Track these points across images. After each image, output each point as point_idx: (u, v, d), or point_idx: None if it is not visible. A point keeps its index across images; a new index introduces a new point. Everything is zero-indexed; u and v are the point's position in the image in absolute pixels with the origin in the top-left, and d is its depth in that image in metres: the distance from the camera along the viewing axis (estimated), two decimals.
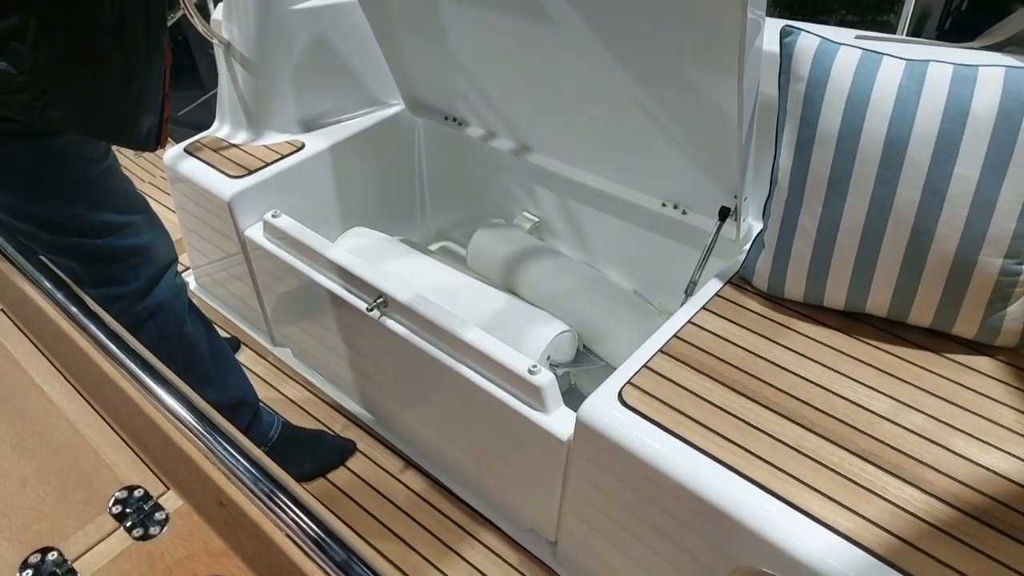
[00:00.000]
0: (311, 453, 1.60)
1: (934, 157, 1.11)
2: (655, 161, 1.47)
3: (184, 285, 1.40)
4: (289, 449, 1.57)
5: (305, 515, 0.59)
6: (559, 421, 1.24)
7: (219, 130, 1.84)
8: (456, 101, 1.77)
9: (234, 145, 1.79)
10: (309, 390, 1.80)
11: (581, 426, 1.18)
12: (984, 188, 1.10)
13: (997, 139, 1.09)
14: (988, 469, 1.04)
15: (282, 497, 0.60)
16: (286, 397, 1.78)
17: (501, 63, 1.55)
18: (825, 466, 1.05)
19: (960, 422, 1.11)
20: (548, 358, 1.53)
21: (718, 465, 1.06)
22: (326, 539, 0.58)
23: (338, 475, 1.60)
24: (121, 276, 1.27)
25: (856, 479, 1.03)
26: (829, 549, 0.96)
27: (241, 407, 1.50)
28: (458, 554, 1.46)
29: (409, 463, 1.62)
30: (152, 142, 1.20)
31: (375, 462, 1.63)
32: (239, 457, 0.63)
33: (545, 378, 1.23)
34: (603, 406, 1.16)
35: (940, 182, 1.12)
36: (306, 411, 1.74)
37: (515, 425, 1.30)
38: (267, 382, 1.82)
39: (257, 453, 0.64)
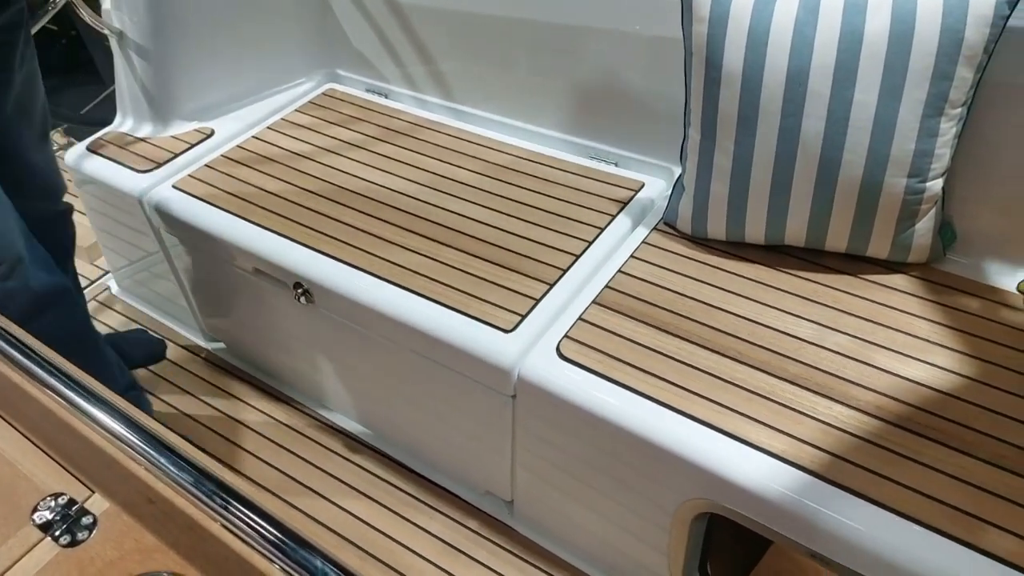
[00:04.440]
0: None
1: (834, 87, 1.15)
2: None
3: (15, 292, 1.23)
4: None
5: (238, 502, 0.58)
6: (503, 380, 1.25)
7: (122, 124, 1.76)
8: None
9: (140, 139, 1.71)
10: (248, 382, 1.76)
11: (523, 383, 1.19)
12: (883, 112, 1.14)
13: (890, 64, 1.12)
14: (908, 379, 1.09)
15: (212, 487, 0.59)
16: (225, 391, 1.74)
17: None
18: (758, 394, 1.08)
19: (880, 338, 1.16)
20: None
21: (658, 406, 1.09)
22: (262, 523, 0.57)
23: (286, 462, 1.58)
24: None
25: (788, 403, 1.07)
26: (767, 472, 0.99)
27: None
28: (418, 526, 1.46)
29: (358, 442, 1.61)
30: None
31: (322, 445, 1.61)
32: (164, 451, 0.61)
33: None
34: (542, 362, 1.18)
35: (841, 110, 1.15)
36: (247, 403, 1.71)
37: (460, 390, 1.30)
38: (203, 379, 1.78)
39: (183, 445, 0.63)
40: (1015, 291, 1.24)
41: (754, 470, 1.00)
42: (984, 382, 1.09)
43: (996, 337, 1.15)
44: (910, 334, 1.17)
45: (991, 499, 0.94)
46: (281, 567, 0.54)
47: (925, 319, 1.19)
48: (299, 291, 1.39)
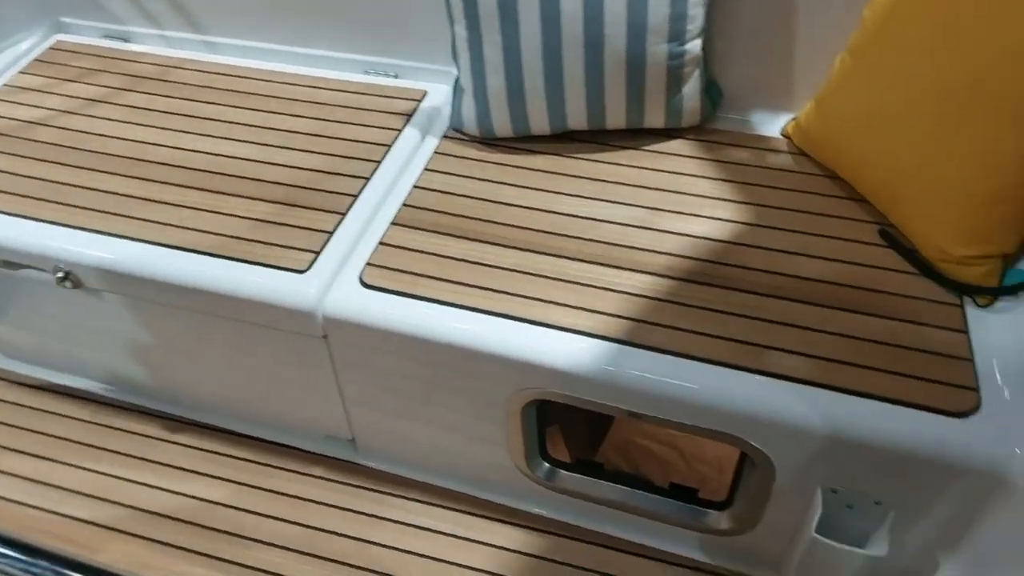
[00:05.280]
0: None
1: None
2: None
3: None
4: None
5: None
6: (309, 323, 1.18)
7: None
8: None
9: None
10: (35, 387, 1.57)
11: (330, 322, 1.13)
12: None
13: None
14: (694, 236, 1.15)
15: None
16: (7, 402, 1.54)
17: None
18: (561, 280, 1.10)
19: (667, 203, 1.21)
20: None
21: (467, 312, 1.08)
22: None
23: (105, 463, 1.44)
24: None
25: (589, 282, 1.10)
26: (578, 350, 1.02)
27: None
28: (262, 489, 1.40)
29: (180, 422, 1.50)
30: None
31: (138, 433, 1.48)
32: None
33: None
34: (346, 295, 1.12)
35: None
36: (46, 411, 1.53)
37: (269, 343, 1.23)
38: None
39: None
40: (779, 136, 1.32)
41: (566, 351, 1.03)
42: (759, 224, 1.17)
43: (766, 181, 1.24)
44: (692, 194, 1.22)
45: (775, 327, 1.03)
46: None
47: (704, 177, 1.25)
48: (60, 276, 1.23)
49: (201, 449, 1.45)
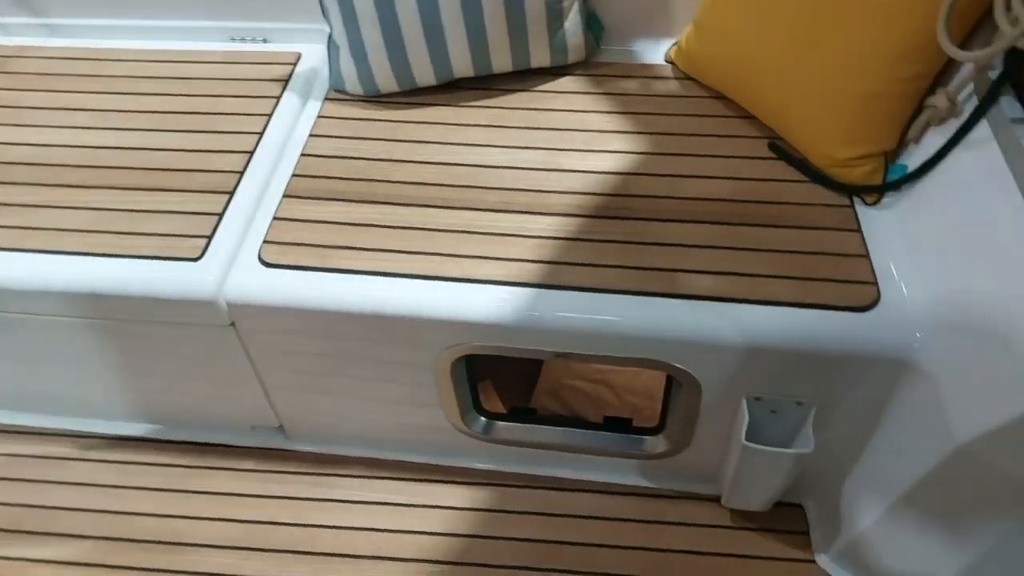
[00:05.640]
0: None
1: None
2: None
3: None
4: None
5: None
6: (212, 313, 1.12)
7: None
8: None
9: None
10: None
11: (234, 308, 1.07)
12: None
13: None
14: (595, 172, 1.15)
15: None
16: None
17: None
18: (470, 232, 1.08)
19: (564, 142, 1.20)
20: None
21: (377, 277, 1.04)
22: None
23: (24, 494, 1.34)
24: None
25: (499, 231, 1.08)
26: (496, 300, 1.01)
27: None
28: (195, 492, 1.33)
29: (93, 438, 1.41)
30: None
31: (47, 456, 1.38)
32: None
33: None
34: (247, 277, 1.07)
35: None
36: None
37: (176, 339, 1.15)
38: None
39: None
40: (664, 62, 1.33)
41: (487, 303, 1.01)
42: (655, 152, 1.17)
43: (656, 109, 1.24)
44: (587, 130, 1.22)
45: (683, 250, 1.04)
46: None
47: (597, 112, 1.25)
48: None
49: (119, 462, 1.37)
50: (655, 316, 0.99)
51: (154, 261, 1.07)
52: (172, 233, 1.11)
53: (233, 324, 1.11)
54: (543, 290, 1.01)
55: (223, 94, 1.31)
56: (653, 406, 1.49)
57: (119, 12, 1.42)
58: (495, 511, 1.28)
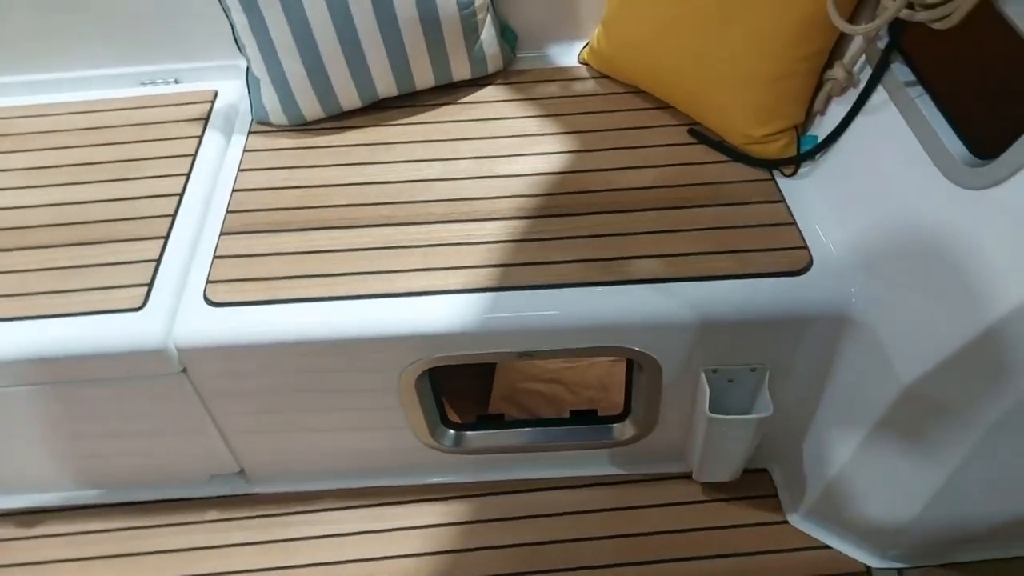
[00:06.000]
0: None
1: None
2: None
3: None
4: None
5: None
6: (162, 361, 1.08)
7: None
8: None
9: None
10: None
11: (185, 353, 1.04)
12: None
13: None
14: (530, 174, 1.18)
15: None
16: None
17: None
18: (417, 246, 1.09)
19: (496, 149, 1.22)
20: None
21: (330, 303, 1.04)
22: None
23: None
24: None
25: (446, 241, 1.09)
26: (453, 309, 1.02)
27: None
28: (151, 553, 1.28)
29: (42, 512, 1.32)
30: None
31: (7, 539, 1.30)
32: None
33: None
34: (194, 320, 1.04)
35: None
36: None
37: (127, 395, 1.11)
38: None
39: None
40: (578, 63, 1.38)
41: (445, 313, 1.02)
42: (583, 149, 1.22)
43: (577, 108, 1.29)
44: (516, 135, 1.25)
45: (626, 238, 1.08)
46: None
47: (522, 117, 1.28)
48: None
49: (69, 534, 1.30)
50: (610, 304, 1.02)
51: (94, 316, 1.03)
52: (109, 285, 1.07)
53: (185, 370, 1.08)
54: (499, 293, 1.03)
55: (142, 139, 1.27)
56: (609, 397, 1.53)
57: (21, 68, 1.36)
58: (474, 522, 1.28)
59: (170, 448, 1.24)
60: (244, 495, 1.34)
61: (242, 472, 1.32)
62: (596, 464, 1.31)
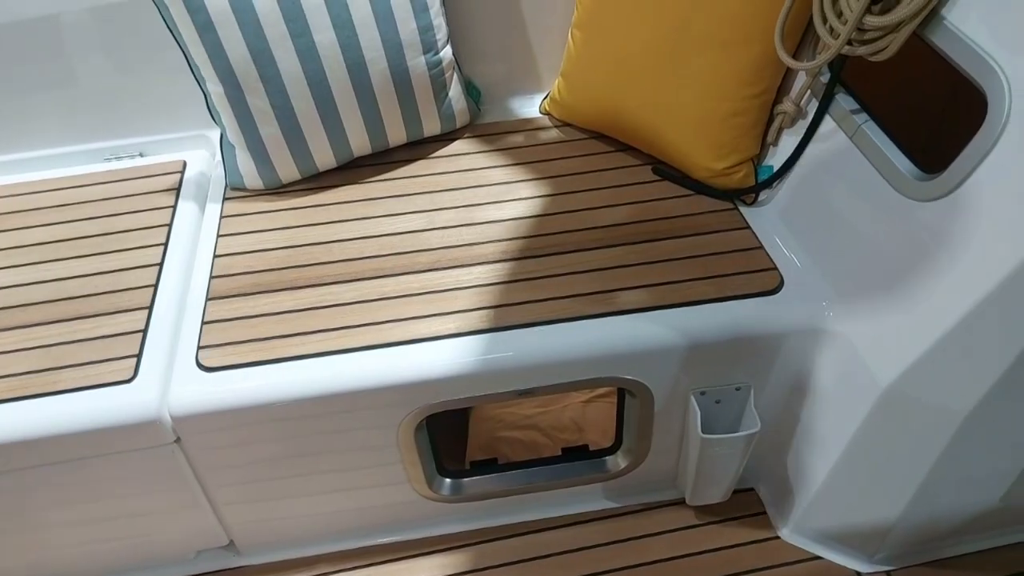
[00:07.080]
0: None
1: None
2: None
3: None
4: None
5: None
6: (156, 432, 1.06)
7: None
8: None
9: None
10: None
11: (179, 422, 1.03)
12: (377, 3, 1.18)
13: None
14: (511, 219, 1.22)
15: None
16: None
17: None
18: (409, 295, 1.11)
19: (473, 198, 1.27)
20: None
21: (324, 359, 1.04)
22: None
23: None
24: None
25: (436, 288, 1.12)
26: (455, 352, 1.04)
27: None
28: None
29: None
30: None
31: None
32: None
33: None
34: (188, 387, 1.02)
35: (342, 14, 1.17)
36: None
37: (120, 472, 1.08)
38: None
39: None
40: (540, 114, 1.45)
41: (443, 358, 1.04)
42: (557, 193, 1.27)
43: (545, 156, 1.35)
44: (492, 184, 1.30)
45: (609, 272, 1.13)
46: None
47: (494, 167, 1.33)
48: None
49: None
50: (601, 335, 1.06)
51: (83, 392, 1.01)
52: (96, 360, 1.05)
53: (178, 440, 1.06)
54: (495, 334, 1.05)
55: (115, 212, 1.27)
56: (584, 437, 1.54)
57: None
58: (475, 571, 1.27)
59: (154, 525, 1.19)
60: (234, 568, 1.30)
61: (231, 544, 1.28)
62: (592, 500, 1.32)
